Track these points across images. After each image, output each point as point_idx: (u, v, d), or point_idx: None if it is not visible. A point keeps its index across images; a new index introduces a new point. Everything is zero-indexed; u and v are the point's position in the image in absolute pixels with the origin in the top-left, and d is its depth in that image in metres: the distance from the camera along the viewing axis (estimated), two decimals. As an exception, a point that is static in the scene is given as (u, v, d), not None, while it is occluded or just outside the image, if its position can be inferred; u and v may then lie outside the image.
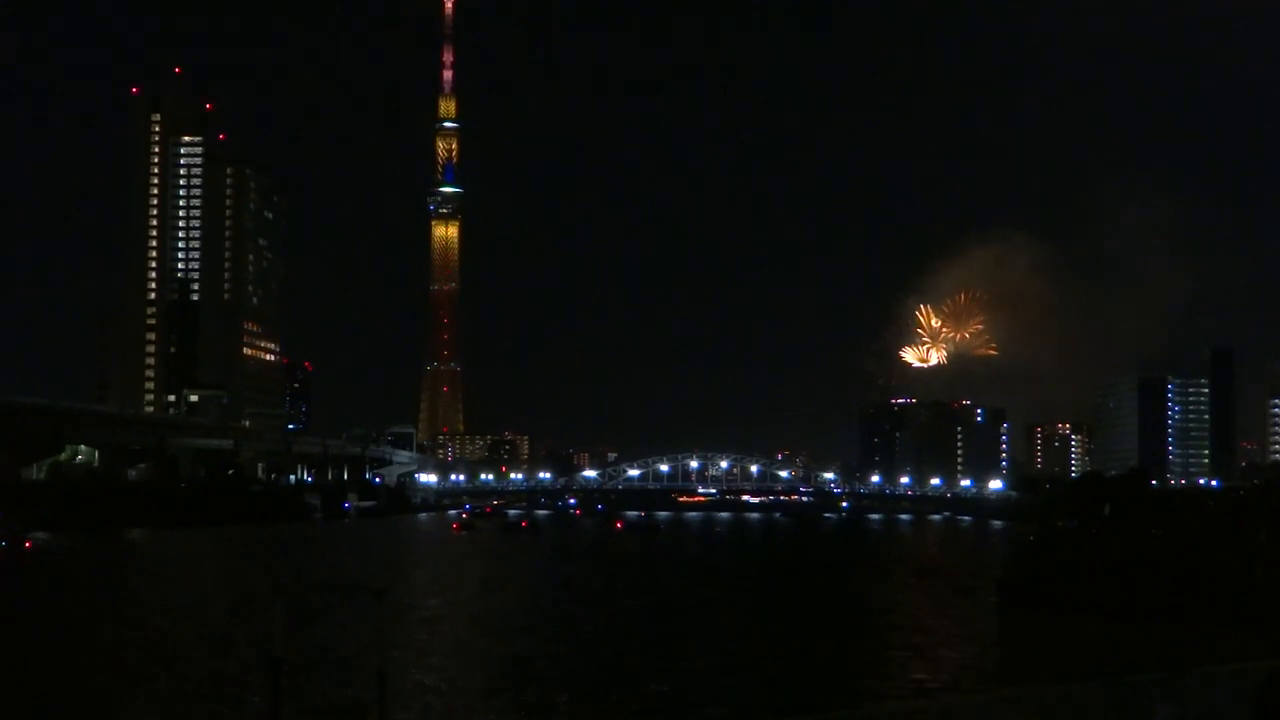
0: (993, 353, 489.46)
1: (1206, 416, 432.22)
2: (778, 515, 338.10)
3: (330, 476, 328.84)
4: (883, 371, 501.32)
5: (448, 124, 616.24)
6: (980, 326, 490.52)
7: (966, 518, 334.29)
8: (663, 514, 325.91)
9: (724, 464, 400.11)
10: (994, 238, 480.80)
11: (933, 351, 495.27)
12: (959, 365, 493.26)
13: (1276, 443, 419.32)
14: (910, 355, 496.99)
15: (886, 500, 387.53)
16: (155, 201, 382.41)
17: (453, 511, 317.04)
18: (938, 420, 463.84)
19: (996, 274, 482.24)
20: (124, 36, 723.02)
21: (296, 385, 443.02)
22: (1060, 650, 72.55)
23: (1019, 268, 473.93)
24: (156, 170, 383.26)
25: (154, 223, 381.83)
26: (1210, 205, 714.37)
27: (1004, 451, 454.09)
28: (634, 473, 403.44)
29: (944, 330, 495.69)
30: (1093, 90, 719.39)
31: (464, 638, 79.32)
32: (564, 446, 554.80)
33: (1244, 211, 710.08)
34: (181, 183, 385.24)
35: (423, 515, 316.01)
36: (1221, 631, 72.64)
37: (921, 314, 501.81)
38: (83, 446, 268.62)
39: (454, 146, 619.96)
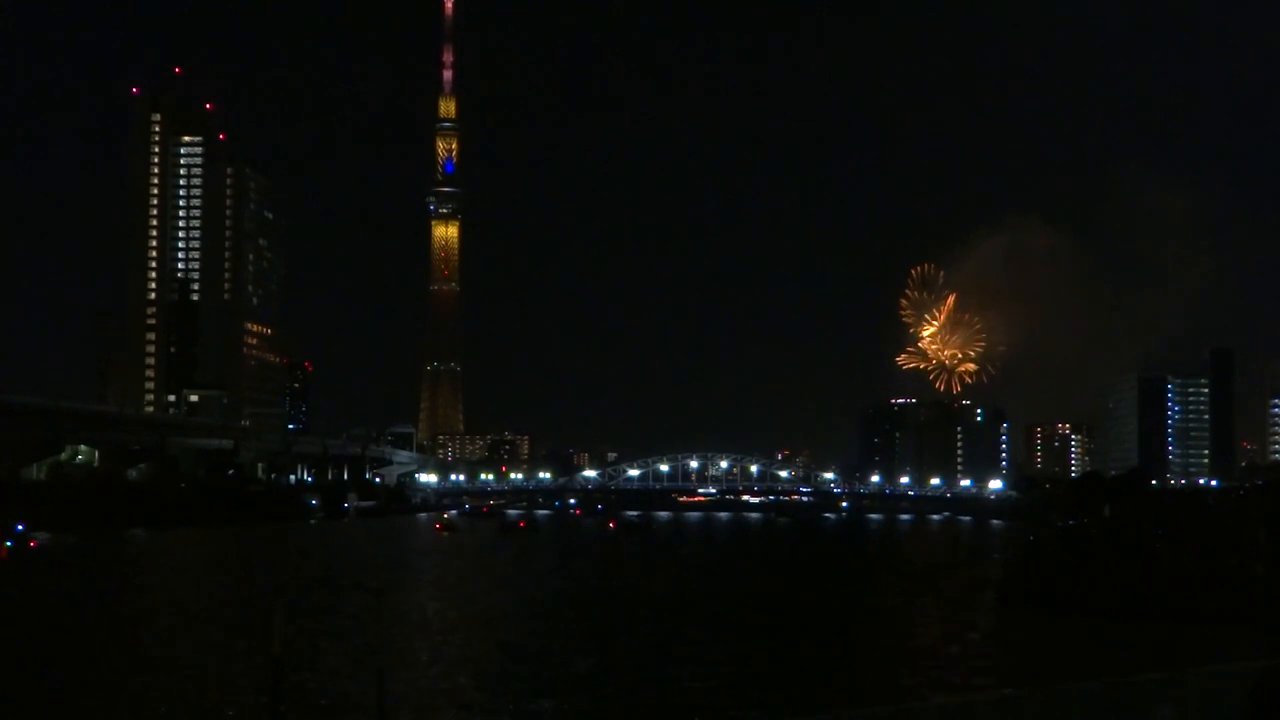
0: (979, 351, 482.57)
1: (1206, 416, 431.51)
2: (775, 515, 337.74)
3: (330, 476, 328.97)
4: (932, 365, 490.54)
5: (447, 124, 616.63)
6: (979, 335, 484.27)
7: (966, 518, 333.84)
8: (663, 514, 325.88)
9: (724, 464, 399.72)
10: (1004, 230, 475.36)
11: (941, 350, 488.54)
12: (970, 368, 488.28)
13: (1276, 443, 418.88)
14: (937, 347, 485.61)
15: (886, 500, 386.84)
16: (155, 201, 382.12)
17: (452, 511, 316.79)
18: (938, 420, 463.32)
19: (1003, 269, 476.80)
20: (124, 37, 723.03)
21: (296, 385, 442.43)
22: (1060, 650, 72.54)
23: (1028, 264, 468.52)
24: (156, 170, 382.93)
25: (154, 223, 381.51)
26: (1210, 204, 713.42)
27: (1004, 451, 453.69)
28: (634, 473, 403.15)
29: (944, 336, 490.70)
30: (1104, 84, 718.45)
31: (460, 637, 79.27)
32: (564, 446, 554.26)
33: (1244, 211, 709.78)
34: (181, 183, 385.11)
35: (422, 515, 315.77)
36: (1221, 631, 72.64)
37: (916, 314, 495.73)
38: (83, 446, 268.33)
39: (454, 146, 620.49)
